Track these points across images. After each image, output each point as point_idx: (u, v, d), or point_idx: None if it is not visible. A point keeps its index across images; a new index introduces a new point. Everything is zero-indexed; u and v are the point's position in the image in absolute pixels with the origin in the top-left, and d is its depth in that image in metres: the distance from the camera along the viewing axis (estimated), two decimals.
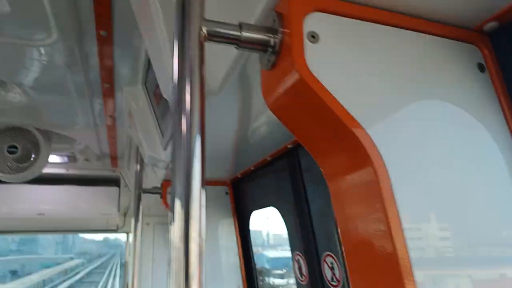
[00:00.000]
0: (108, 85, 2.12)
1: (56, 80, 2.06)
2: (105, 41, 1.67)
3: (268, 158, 2.06)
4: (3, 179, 3.00)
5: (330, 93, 0.67)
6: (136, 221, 2.48)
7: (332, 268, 1.63)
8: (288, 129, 0.81)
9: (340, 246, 1.64)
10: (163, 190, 2.67)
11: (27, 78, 2.05)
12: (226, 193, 2.82)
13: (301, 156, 1.79)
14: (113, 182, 4.24)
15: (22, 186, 3.62)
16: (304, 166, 1.77)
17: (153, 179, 2.75)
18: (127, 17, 1.52)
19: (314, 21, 0.70)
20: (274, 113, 0.80)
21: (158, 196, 2.77)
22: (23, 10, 1.44)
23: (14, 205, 3.84)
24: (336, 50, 0.71)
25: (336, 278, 1.61)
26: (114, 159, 3.77)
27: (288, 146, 1.82)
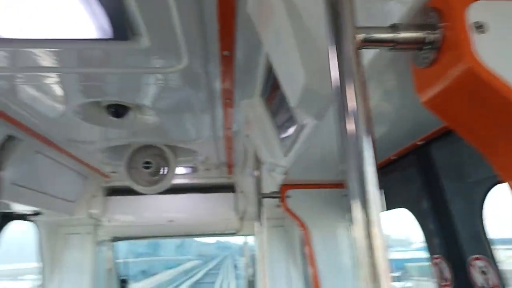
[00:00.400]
0: (228, 100, 2.27)
1: (182, 100, 2.28)
2: (228, 60, 1.80)
3: (393, 157, 1.97)
4: (141, 191, 3.43)
5: (507, 84, 0.62)
6: (260, 224, 2.60)
7: (484, 273, 1.48)
8: (450, 126, 0.76)
9: (491, 249, 1.48)
10: (282, 194, 2.75)
11: (158, 101, 2.31)
12: (344, 196, 2.77)
13: (434, 153, 1.67)
14: (229, 188, 4.52)
15: (155, 196, 4.09)
16: (439, 163, 1.65)
17: (268, 184, 2.85)
18: (248, 34, 1.61)
19: (477, 11, 0.65)
20: (432, 110, 0.76)
21: (272, 200, 2.85)
22: (160, 43, 1.63)
23: (149, 213, 4.35)
24: (506, 36, 0.65)
25: (490, 283, 1.46)
26: (230, 167, 4.01)
27: (418, 143, 1.72)
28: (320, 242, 2.69)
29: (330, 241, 2.74)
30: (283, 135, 2.00)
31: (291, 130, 1.82)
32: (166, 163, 3.32)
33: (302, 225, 2.74)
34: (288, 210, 2.74)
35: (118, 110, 2.35)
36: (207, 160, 3.76)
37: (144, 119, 2.61)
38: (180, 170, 3.99)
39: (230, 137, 2.99)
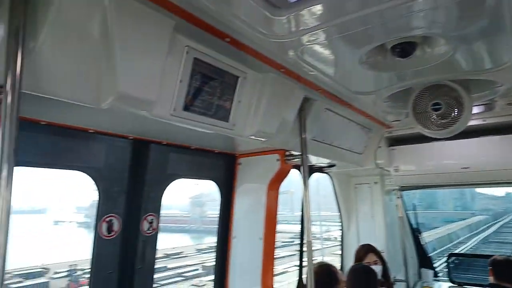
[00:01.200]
0: None
1: (485, 15, 1.83)
2: None
3: None
4: (433, 136, 3.15)
5: None
6: None
7: None
8: None
9: None
10: None
11: (453, 26, 1.94)
12: None
13: None
14: None
15: (443, 142, 3.72)
16: None
17: None
18: None
19: None
20: None
21: None
22: None
23: (438, 161, 4.02)
24: None
25: None
26: None
27: None
28: None
29: None
30: None
31: None
32: (457, 102, 2.88)
33: None
34: None
35: (405, 48, 2.16)
36: (510, 92, 3.03)
37: (432, 53, 2.31)
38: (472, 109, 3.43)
39: None
